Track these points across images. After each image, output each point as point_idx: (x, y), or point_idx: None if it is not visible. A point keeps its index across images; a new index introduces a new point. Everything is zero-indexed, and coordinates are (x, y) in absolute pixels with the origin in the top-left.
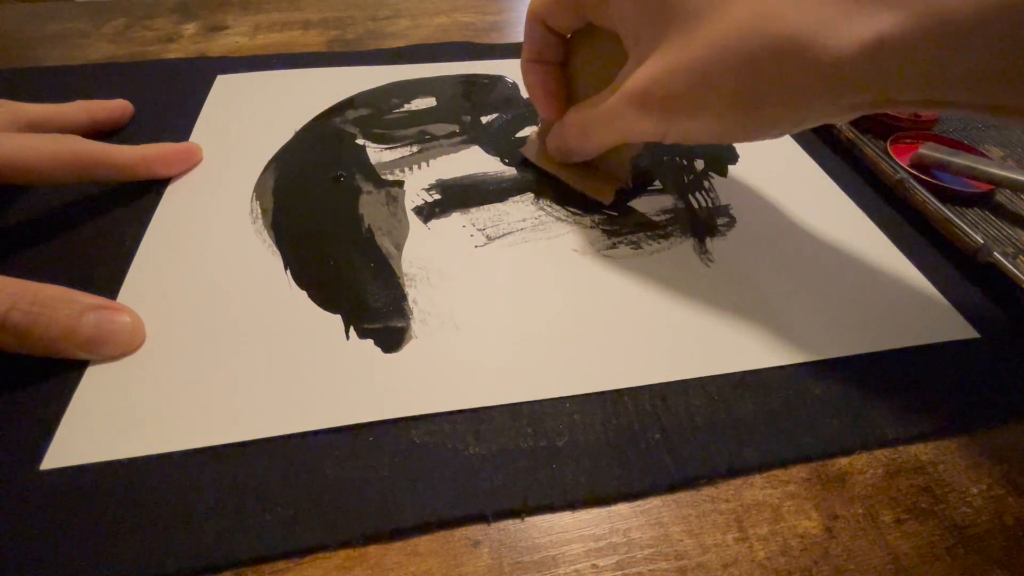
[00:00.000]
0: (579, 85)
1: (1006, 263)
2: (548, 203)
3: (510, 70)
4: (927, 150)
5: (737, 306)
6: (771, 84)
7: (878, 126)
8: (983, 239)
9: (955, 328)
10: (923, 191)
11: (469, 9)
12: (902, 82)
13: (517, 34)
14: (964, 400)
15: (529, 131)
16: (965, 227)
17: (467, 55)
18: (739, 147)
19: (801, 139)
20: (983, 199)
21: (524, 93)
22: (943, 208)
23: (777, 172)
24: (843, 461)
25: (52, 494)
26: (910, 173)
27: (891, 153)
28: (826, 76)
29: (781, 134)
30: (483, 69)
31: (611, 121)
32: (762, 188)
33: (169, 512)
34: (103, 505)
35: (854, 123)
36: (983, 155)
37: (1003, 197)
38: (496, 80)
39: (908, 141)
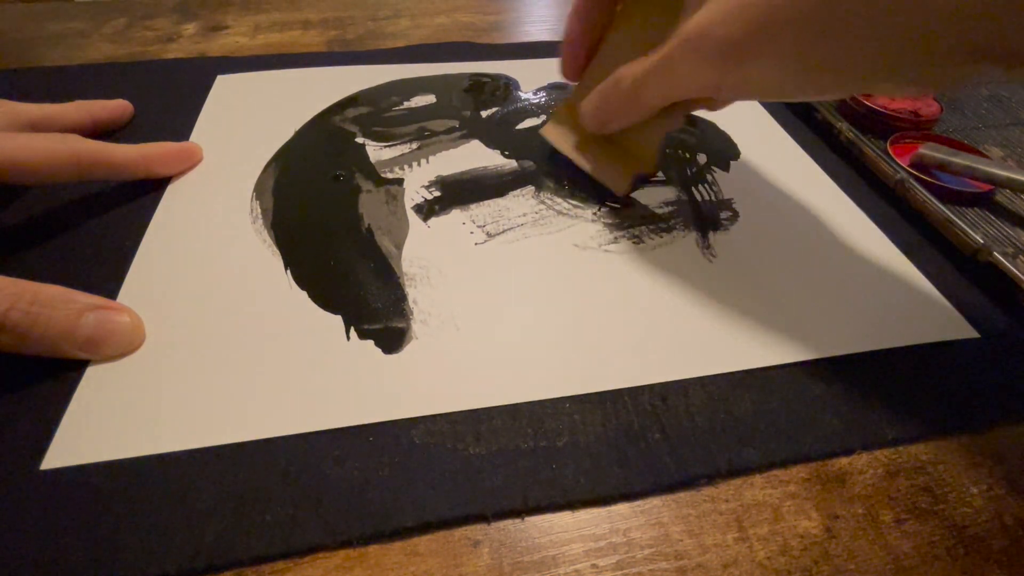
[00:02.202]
0: (628, 46)
1: (1006, 263)
2: (549, 196)
3: (510, 70)
4: (927, 150)
5: (737, 305)
6: (846, 17)
7: (878, 126)
8: (983, 239)
9: (955, 328)
10: (923, 191)
11: (469, 9)
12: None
13: (517, 34)
14: (964, 400)
15: (525, 125)
16: (965, 227)
17: (467, 55)
18: (741, 145)
19: (801, 139)
20: (983, 199)
21: (524, 91)
22: (943, 208)
23: (777, 171)
24: (843, 461)
25: (52, 494)
26: (910, 173)
27: (891, 153)
28: (918, 7)
29: (848, 91)
30: (483, 69)
31: (666, 71)
32: (763, 186)
33: (169, 512)
34: (103, 505)
35: (854, 123)
36: (983, 155)
37: (1003, 197)
38: (497, 77)
39: (908, 141)
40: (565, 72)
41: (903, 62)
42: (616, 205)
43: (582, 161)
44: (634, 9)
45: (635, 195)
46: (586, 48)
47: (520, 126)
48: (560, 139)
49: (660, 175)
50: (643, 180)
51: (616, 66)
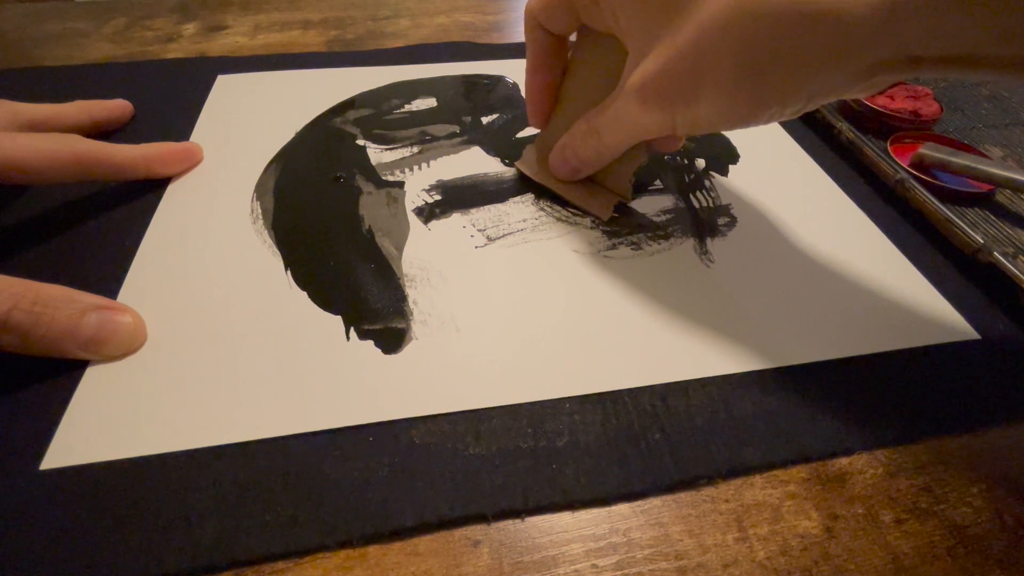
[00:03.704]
0: (584, 93)
1: (1006, 263)
2: (548, 203)
3: (510, 70)
4: (927, 150)
5: (737, 306)
6: (771, 56)
7: (878, 126)
8: (983, 239)
9: (955, 328)
10: (923, 191)
11: (469, 9)
12: (925, 36)
13: (517, 34)
14: (964, 400)
15: (525, 133)
16: (965, 227)
17: (467, 55)
18: (740, 147)
19: (801, 139)
20: (983, 199)
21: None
22: (943, 208)
23: (777, 172)
24: (843, 461)
25: (52, 494)
26: (910, 173)
27: (891, 153)
28: (833, 39)
29: (796, 111)
30: (483, 69)
31: (621, 119)
32: (762, 188)
33: (169, 512)
34: (103, 505)
35: (854, 123)
36: (983, 155)
37: (1003, 197)
38: (496, 80)
39: (908, 141)
40: (532, 121)
41: (828, 85)
42: (615, 214)
43: (564, 192)
44: (582, 57)
45: (633, 204)
46: (548, 97)
47: (520, 135)
48: (538, 174)
49: (658, 182)
50: (623, 205)
51: (576, 110)
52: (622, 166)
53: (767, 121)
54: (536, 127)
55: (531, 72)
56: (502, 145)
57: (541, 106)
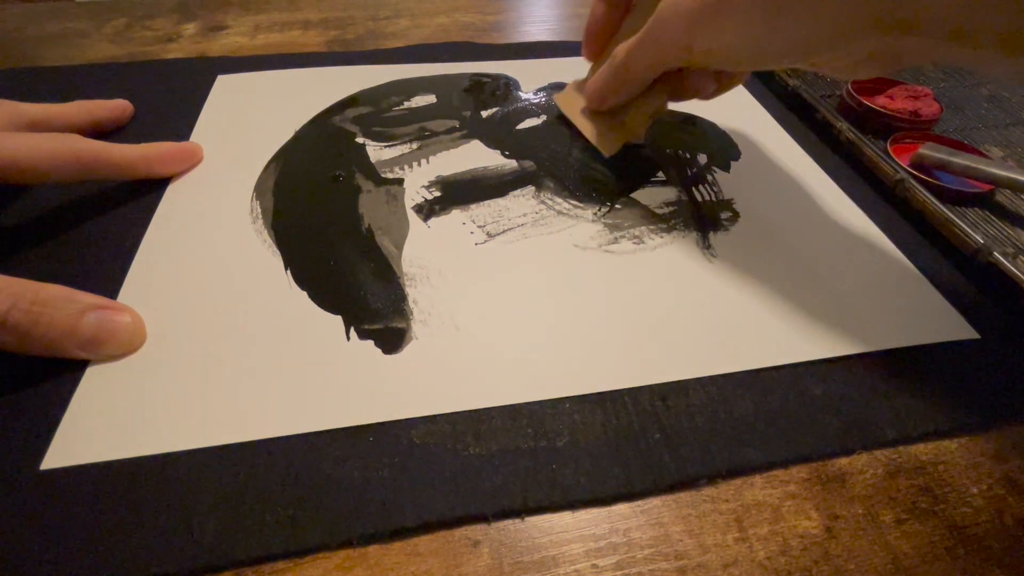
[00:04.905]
0: (636, 28)
1: (1006, 263)
2: (549, 196)
3: (510, 70)
4: (927, 150)
5: (737, 305)
6: None
7: (878, 126)
8: (983, 239)
9: (955, 328)
10: (923, 191)
11: (469, 9)
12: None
13: (517, 34)
14: (964, 400)
15: (526, 124)
16: (965, 227)
17: (467, 55)
18: (741, 145)
19: (801, 139)
20: (983, 199)
21: (524, 91)
22: (943, 208)
23: (778, 171)
24: (843, 461)
25: (52, 494)
26: (910, 173)
27: (891, 153)
28: None
29: (801, 56)
30: (483, 69)
31: (647, 40)
32: (763, 186)
33: (169, 512)
34: (103, 505)
35: (854, 123)
36: (983, 155)
37: (1003, 197)
38: (497, 77)
39: (908, 141)
40: (584, 52)
41: (828, 33)
42: (618, 205)
43: (582, 124)
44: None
45: (636, 195)
46: (606, 33)
47: (520, 126)
48: (568, 106)
49: (660, 175)
50: (633, 181)
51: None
52: (641, 106)
53: (781, 62)
54: (586, 58)
55: (598, 3)
56: (502, 137)
57: (596, 40)
